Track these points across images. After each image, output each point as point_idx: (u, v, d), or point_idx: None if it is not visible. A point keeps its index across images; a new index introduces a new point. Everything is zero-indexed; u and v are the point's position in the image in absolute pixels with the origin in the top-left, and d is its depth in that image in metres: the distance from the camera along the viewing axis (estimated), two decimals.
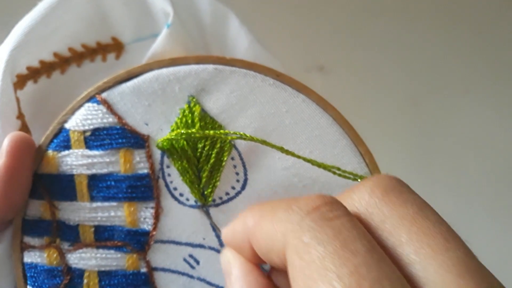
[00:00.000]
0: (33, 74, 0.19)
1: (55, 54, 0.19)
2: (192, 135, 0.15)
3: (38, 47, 0.18)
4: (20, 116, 0.18)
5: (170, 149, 0.16)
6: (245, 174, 0.16)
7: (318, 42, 0.52)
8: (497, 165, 0.52)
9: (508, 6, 0.56)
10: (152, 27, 0.20)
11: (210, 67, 0.16)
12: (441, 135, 0.53)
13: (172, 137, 0.15)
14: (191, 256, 0.16)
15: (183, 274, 0.16)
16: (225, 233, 0.14)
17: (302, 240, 0.10)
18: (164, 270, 0.16)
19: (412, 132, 0.54)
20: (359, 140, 0.17)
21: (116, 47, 0.20)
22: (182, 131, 0.15)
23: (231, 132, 0.16)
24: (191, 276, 0.16)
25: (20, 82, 0.18)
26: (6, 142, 0.16)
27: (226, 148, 0.16)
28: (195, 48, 0.18)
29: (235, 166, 0.16)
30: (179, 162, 0.16)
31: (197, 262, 0.16)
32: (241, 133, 0.16)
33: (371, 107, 0.52)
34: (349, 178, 0.16)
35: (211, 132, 0.15)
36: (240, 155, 0.16)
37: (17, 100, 0.18)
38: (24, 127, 0.18)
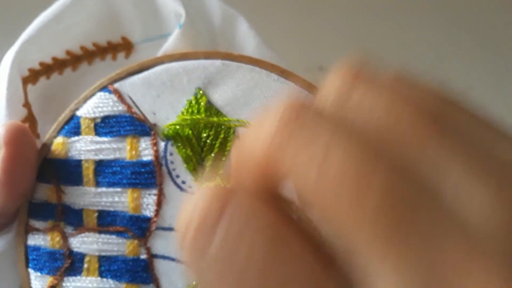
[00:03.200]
0: (46, 70, 0.22)
1: (68, 52, 0.22)
2: (197, 121, 0.18)
3: (51, 44, 0.21)
4: (27, 104, 0.21)
5: (175, 137, 0.18)
6: None
7: (318, 41, 0.56)
8: None
9: (509, 5, 0.60)
10: (161, 28, 0.23)
11: (218, 62, 0.19)
12: None
13: (178, 122, 0.18)
14: None
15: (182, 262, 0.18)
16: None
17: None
18: (164, 257, 0.18)
19: None
20: None
21: (126, 46, 0.24)
22: (187, 117, 0.18)
23: (234, 120, 0.18)
24: None
25: (32, 76, 0.21)
26: (2, 133, 0.18)
27: (229, 138, 0.18)
28: (205, 48, 0.21)
29: None
30: (183, 150, 0.18)
31: None
32: (244, 120, 0.18)
33: None
34: None
35: (215, 119, 0.18)
36: None
37: (25, 91, 0.21)
38: (30, 116, 0.21)
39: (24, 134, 0.18)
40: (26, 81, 0.21)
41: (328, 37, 0.57)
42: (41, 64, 0.21)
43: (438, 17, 0.59)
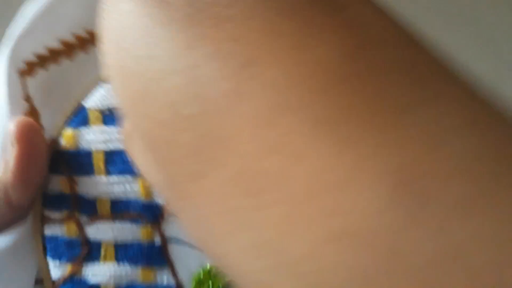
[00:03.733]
0: (42, 61, 0.22)
1: (61, 41, 0.22)
2: None
3: (44, 35, 0.21)
4: (28, 98, 0.21)
5: None
6: None
7: None
8: None
9: (509, 5, 0.60)
10: None
11: None
12: None
13: None
14: None
15: (195, 245, 0.19)
16: None
17: None
18: (178, 242, 0.19)
19: None
20: None
21: None
22: None
23: None
24: None
25: (30, 69, 0.21)
26: (13, 129, 0.18)
27: None
28: None
29: None
30: None
31: None
32: None
33: None
34: None
35: None
36: None
37: (24, 84, 0.21)
38: (33, 110, 0.21)
39: (34, 130, 0.18)
40: (24, 74, 0.21)
41: None
42: (36, 55, 0.21)
43: (439, 17, 0.60)
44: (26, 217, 0.19)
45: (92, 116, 0.19)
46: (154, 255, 0.19)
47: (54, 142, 0.19)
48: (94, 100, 0.19)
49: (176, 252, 0.19)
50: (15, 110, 0.20)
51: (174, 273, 0.19)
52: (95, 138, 0.19)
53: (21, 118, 0.19)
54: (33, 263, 0.20)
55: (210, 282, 0.19)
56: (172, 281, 0.19)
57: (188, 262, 0.19)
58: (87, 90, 0.20)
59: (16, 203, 0.18)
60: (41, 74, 0.22)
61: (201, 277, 0.19)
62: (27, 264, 0.20)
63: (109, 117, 0.19)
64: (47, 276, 0.19)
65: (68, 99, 0.21)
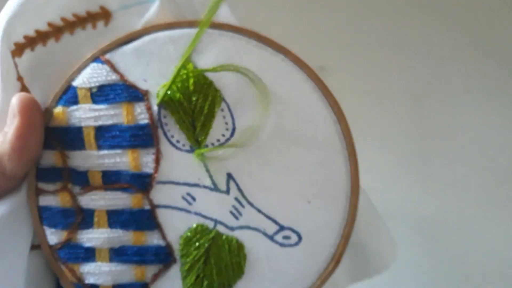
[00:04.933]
0: (30, 42, 0.24)
1: (49, 24, 0.24)
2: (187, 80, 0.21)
3: (33, 18, 0.23)
4: (20, 78, 0.23)
5: (168, 102, 0.22)
6: (233, 124, 0.22)
7: (318, 42, 0.57)
8: (497, 165, 0.59)
9: (509, 5, 0.61)
10: None
11: None
12: (442, 135, 0.59)
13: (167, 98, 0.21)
14: (188, 194, 0.22)
15: (181, 209, 0.22)
16: None
17: None
18: (165, 207, 0.22)
19: (412, 132, 0.59)
20: (328, 93, 0.23)
21: (104, 15, 0.26)
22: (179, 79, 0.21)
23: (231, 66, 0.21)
24: (189, 211, 0.22)
25: (18, 50, 0.23)
26: (15, 102, 0.20)
27: (216, 101, 0.22)
28: (185, 17, 0.24)
29: (224, 117, 0.22)
30: (176, 113, 0.22)
31: (193, 199, 0.22)
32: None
33: (371, 107, 0.58)
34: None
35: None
36: (228, 107, 0.22)
37: (15, 64, 0.23)
38: (24, 89, 0.23)
39: (35, 105, 0.20)
40: (13, 54, 0.23)
41: (329, 37, 0.57)
42: (25, 37, 0.23)
43: (438, 17, 0.60)
44: (18, 188, 0.22)
45: (80, 94, 0.22)
46: (144, 219, 0.22)
47: (45, 118, 0.21)
48: (82, 79, 0.22)
49: (164, 216, 0.22)
50: (9, 89, 0.22)
51: (163, 235, 0.22)
52: (84, 115, 0.21)
53: (23, 93, 0.21)
54: (28, 231, 0.22)
55: (197, 240, 0.22)
56: (162, 242, 0.22)
57: (175, 225, 0.22)
58: (74, 70, 0.22)
59: (10, 173, 0.20)
60: (28, 54, 0.24)
61: (188, 235, 0.22)
62: (23, 232, 0.22)
63: (97, 95, 0.22)
64: (45, 242, 0.22)
65: (55, 79, 0.23)
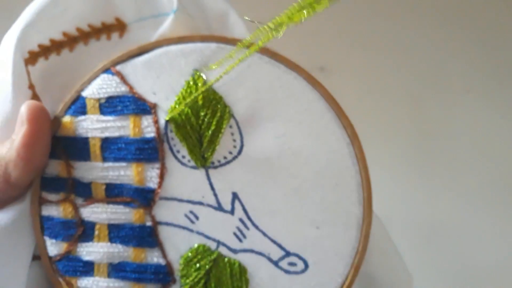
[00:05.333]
0: (44, 51, 0.24)
1: (64, 34, 0.24)
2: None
3: (48, 27, 0.24)
4: (31, 86, 0.23)
5: (175, 117, 0.21)
6: (241, 141, 0.22)
7: (318, 43, 0.58)
8: (497, 165, 0.59)
9: (508, 5, 0.62)
10: (153, 8, 0.25)
11: (213, 45, 0.22)
12: (442, 135, 0.60)
13: (177, 108, 0.21)
14: (191, 212, 0.22)
15: (184, 228, 0.22)
16: None
17: None
18: (167, 224, 0.22)
19: (413, 132, 0.60)
20: (342, 114, 0.22)
21: (119, 27, 0.26)
22: (186, 102, 0.21)
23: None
24: (191, 230, 0.22)
25: (32, 58, 0.24)
26: (24, 110, 0.21)
27: (225, 117, 0.21)
28: (199, 32, 0.24)
29: (232, 134, 0.22)
30: (183, 128, 0.21)
31: (197, 218, 0.22)
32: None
33: (371, 107, 0.58)
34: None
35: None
36: (237, 123, 0.22)
37: (28, 72, 0.23)
38: (35, 97, 0.24)
39: (44, 114, 0.21)
40: (26, 62, 0.23)
41: (329, 37, 0.59)
42: (40, 46, 0.23)
43: (439, 17, 0.61)
44: (22, 197, 0.22)
45: (89, 104, 0.22)
46: (145, 236, 0.21)
47: (53, 128, 0.22)
48: (92, 89, 0.22)
49: (165, 233, 0.22)
50: (20, 97, 0.22)
51: (164, 254, 0.21)
52: (91, 126, 0.21)
53: (33, 101, 0.21)
54: (30, 241, 0.22)
55: (198, 261, 0.21)
56: (162, 261, 0.21)
57: (177, 243, 0.21)
58: (85, 80, 0.22)
59: (14, 181, 0.20)
60: (41, 63, 0.24)
61: (189, 255, 0.21)
62: (25, 241, 0.22)
63: (105, 106, 0.22)
64: (44, 253, 0.22)
65: (67, 88, 0.23)
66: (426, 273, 0.57)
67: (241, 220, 0.22)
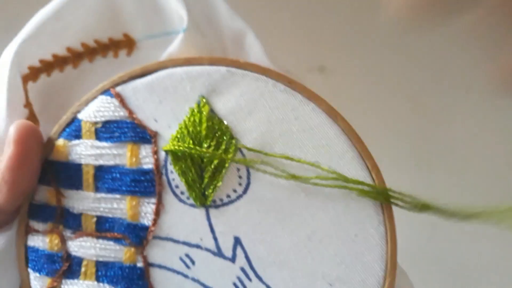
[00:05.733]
0: (46, 67, 0.23)
1: (68, 49, 0.23)
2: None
3: (51, 41, 0.22)
4: (28, 105, 0.22)
5: (175, 147, 0.19)
6: (248, 178, 0.19)
7: (319, 42, 0.58)
8: (497, 165, 0.57)
9: (509, 5, 0.61)
10: (164, 25, 0.24)
11: (223, 69, 0.19)
12: (441, 135, 0.59)
13: (175, 148, 0.19)
14: (187, 255, 0.19)
15: (178, 272, 0.19)
16: None
17: None
18: (160, 266, 0.19)
19: (412, 132, 0.60)
20: (367, 154, 0.20)
21: (127, 43, 0.24)
22: (186, 147, 0.19)
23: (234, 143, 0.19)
24: (186, 276, 0.19)
25: (32, 74, 0.22)
26: (12, 130, 0.19)
27: (230, 150, 0.19)
28: (212, 52, 0.22)
29: (238, 169, 0.19)
30: (183, 161, 0.19)
31: (193, 262, 0.19)
32: (242, 145, 0.19)
33: (371, 107, 0.58)
34: (352, 188, 0.19)
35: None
36: (245, 158, 0.19)
37: (25, 90, 0.22)
38: (32, 116, 0.22)
39: (34, 135, 0.19)
40: (26, 79, 0.22)
41: (329, 37, 0.59)
42: (41, 61, 0.22)
43: (439, 17, 0.61)
44: (9, 224, 0.20)
45: (84, 128, 0.20)
46: (135, 278, 0.19)
47: (45, 151, 0.20)
48: (88, 112, 0.20)
49: (158, 277, 0.19)
50: (14, 116, 0.21)
51: None
52: (86, 151, 0.20)
53: (23, 121, 0.20)
54: (16, 274, 0.20)
55: None
56: None
57: None
58: (82, 101, 0.20)
59: (0, 206, 0.19)
60: (43, 79, 0.23)
61: None
62: (11, 271, 0.21)
63: (102, 131, 0.20)
64: (27, 287, 0.20)
65: (65, 109, 0.21)
66: (426, 272, 0.56)
67: (242, 270, 0.19)
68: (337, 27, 0.60)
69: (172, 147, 0.19)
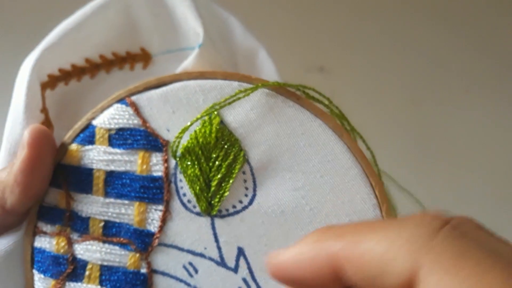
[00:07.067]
0: (65, 76, 0.24)
1: (87, 60, 0.24)
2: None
3: (71, 52, 0.24)
4: (44, 110, 0.23)
5: (185, 155, 0.20)
6: (254, 190, 0.20)
7: (318, 42, 0.59)
8: (497, 165, 0.58)
9: (508, 5, 0.63)
10: (180, 41, 0.25)
11: (235, 83, 0.21)
12: (441, 135, 0.60)
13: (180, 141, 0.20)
14: (190, 264, 0.20)
15: (181, 280, 0.20)
16: (286, 260, 0.14)
17: (447, 257, 0.12)
18: (163, 273, 0.20)
19: (412, 132, 0.61)
20: (370, 171, 0.21)
21: (144, 57, 0.26)
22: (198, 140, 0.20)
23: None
24: (188, 284, 0.20)
25: (51, 82, 0.24)
26: (26, 134, 0.20)
27: (238, 161, 0.20)
28: (225, 68, 0.23)
29: (245, 181, 0.20)
30: (192, 169, 0.20)
31: (196, 271, 0.20)
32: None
33: (371, 107, 0.59)
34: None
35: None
36: (251, 170, 0.20)
37: (43, 96, 0.23)
38: (47, 121, 0.24)
39: (47, 139, 0.20)
40: (44, 86, 0.23)
41: (329, 38, 0.61)
42: (60, 70, 0.24)
43: (438, 17, 0.63)
44: (18, 226, 0.21)
45: (98, 134, 0.21)
46: (138, 284, 0.20)
47: (58, 155, 0.21)
48: (103, 119, 0.21)
49: (160, 284, 0.20)
50: (31, 120, 0.22)
51: None
52: (98, 157, 0.21)
53: (37, 125, 0.21)
54: (23, 276, 0.21)
55: None
56: None
57: None
58: (97, 108, 0.22)
59: (10, 207, 0.20)
60: (60, 88, 0.24)
61: None
62: (18, 272, 0.21)
63: (115, 138, 0.21)
64: (31, 287, 0.21)
65: (80, 116, 0.23)
66: None
67: (244, 281, 0.20)
68: (337, 27, 0.62)
69: (184, 154, 0.20)
